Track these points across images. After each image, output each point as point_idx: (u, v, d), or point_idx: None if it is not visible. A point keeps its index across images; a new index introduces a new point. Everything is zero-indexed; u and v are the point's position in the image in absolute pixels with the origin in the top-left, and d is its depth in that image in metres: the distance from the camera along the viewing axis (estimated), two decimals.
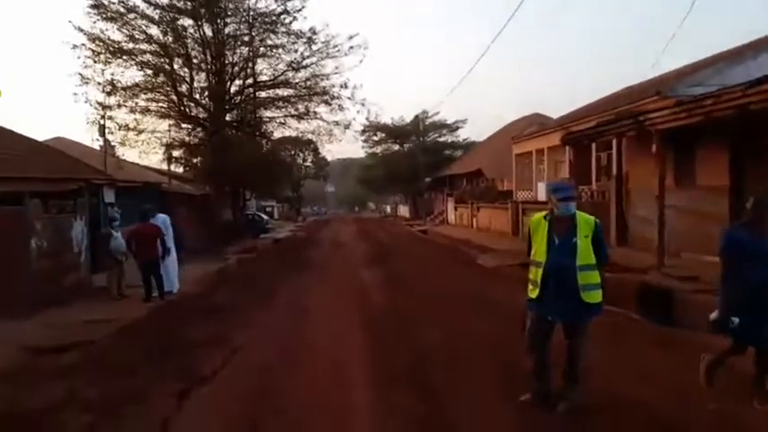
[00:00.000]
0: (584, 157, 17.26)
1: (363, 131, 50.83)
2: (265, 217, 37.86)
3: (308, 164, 56.70)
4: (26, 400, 5.11)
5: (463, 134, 54.72)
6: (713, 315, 4.54)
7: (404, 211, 59.90)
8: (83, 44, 21.46)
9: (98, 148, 21.84)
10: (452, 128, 53.73)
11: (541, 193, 24.25)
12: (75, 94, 21.95)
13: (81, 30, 21.42)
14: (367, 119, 32.86)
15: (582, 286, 4.23)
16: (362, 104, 25.78)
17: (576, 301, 4.24)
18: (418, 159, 46.43)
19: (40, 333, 7.85)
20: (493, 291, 10.49)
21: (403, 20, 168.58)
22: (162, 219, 11.12)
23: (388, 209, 77.95)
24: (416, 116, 51.24)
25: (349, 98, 25.48)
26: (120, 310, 9.43)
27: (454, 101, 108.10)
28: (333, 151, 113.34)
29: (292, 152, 46.37)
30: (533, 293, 4.42)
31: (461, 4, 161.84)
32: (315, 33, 24.22)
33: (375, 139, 56.56)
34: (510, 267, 12.91)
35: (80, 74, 21.57)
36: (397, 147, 56.74)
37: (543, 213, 4.54)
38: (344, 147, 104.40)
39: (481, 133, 71.98)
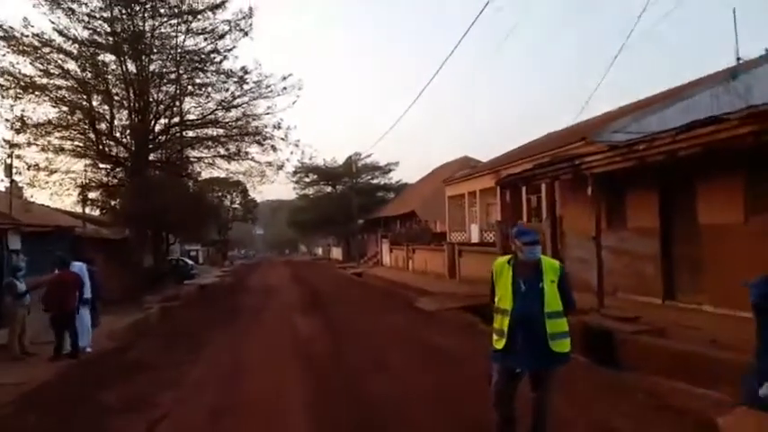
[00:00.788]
0: (515, 200, 17.66)
1: (295, 173, 50.48)
2: (190, 262, 36.20)
3: (236, 206, 55.22)
4: None
5: (395, 176, 55.52)
6: (764, 390, 3.98)
7: (336, 253, 59.21)
8: None
9: (2, 189, 19.99)
10: (385, 170, 54.41)
11: (474, 235, 24.67)
12: None
13: None
14: (299, 161, 32.40)
15: (551, 335, 4.00)
16: (296, 145, 25.34)
17: (543, 351, 4.00)
18: (351, 201, 46.36)
19: None
20: (436, 336, 10.18)
21: (334, 62, 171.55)
22: (79, 266, 10.06)
23: (320, 251, 76.96)
24: (349, 158, 51.44)
25: (282, 139, 24.98)
26: (25, 372, 8.24)
27: (386, 143, 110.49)
28: (263, 193, 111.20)
29: (220, 194, 45.00)
30: (499, 344, 4.14)
31: (394, 46, 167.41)
32: (246, 73, 23.76)
33: (307, 180, 56.15)
34: (449, 311, 12.70)
35: None
36: (329, 188, 56.51)
37: (507, 258, 4.32)
38: (274, 188, 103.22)
39: (413, 175, 73.20)
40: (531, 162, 14.30)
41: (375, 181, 55.32)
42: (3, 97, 19.98)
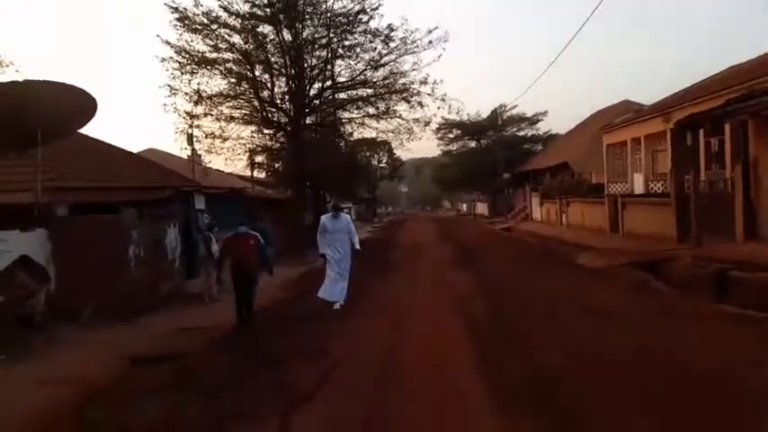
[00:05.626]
0: (690, 145, 15.62)
1: (439, 129, 50.19)
2: None
3: (383, 165, 56.65)
4: (129, 417, 4.87)
5: (543, 127, 52.41)
6: None
7: (482, 208, 58.36)
8: (171, 57, 22.29)
9: (186, 157, 22.60)
10: (532, 121, 51.55)
11: (638, 186, 22.48)
12: (165, 105, 22.75)
13: (168, 43, 22.25)
14: (444, 117, 31.79)
15: None
16: (443, 100, 24.95)
17: None
18: (496, 155, 44.93)
19: (138, 341, 7.80)
20: (605, 295, 9.45)
21: (475, 12, 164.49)
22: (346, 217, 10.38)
23: (465, 207, 76.57)
24: (494, 111, 49.60)
25: (429, 94, 24.77)
26: (214, 317, 9.24)
27: (532, 93, 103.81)
28: (411, 149, 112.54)
29: (368, 154, 46.35)
30: None
31: None
32: (392, 30, 23.77)
33: (451, 136, 55.38)
34: (620, 267, 11.70)
35: (168, 85, 22.41)
36: (473, 143, 55.27)
37: None
38: (419, 146, 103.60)
39: (563, 126, 68.50)
40: (717, 99, 12.40)
41: (521, 133, 52.74)
42: (182, 73, 22.42)
